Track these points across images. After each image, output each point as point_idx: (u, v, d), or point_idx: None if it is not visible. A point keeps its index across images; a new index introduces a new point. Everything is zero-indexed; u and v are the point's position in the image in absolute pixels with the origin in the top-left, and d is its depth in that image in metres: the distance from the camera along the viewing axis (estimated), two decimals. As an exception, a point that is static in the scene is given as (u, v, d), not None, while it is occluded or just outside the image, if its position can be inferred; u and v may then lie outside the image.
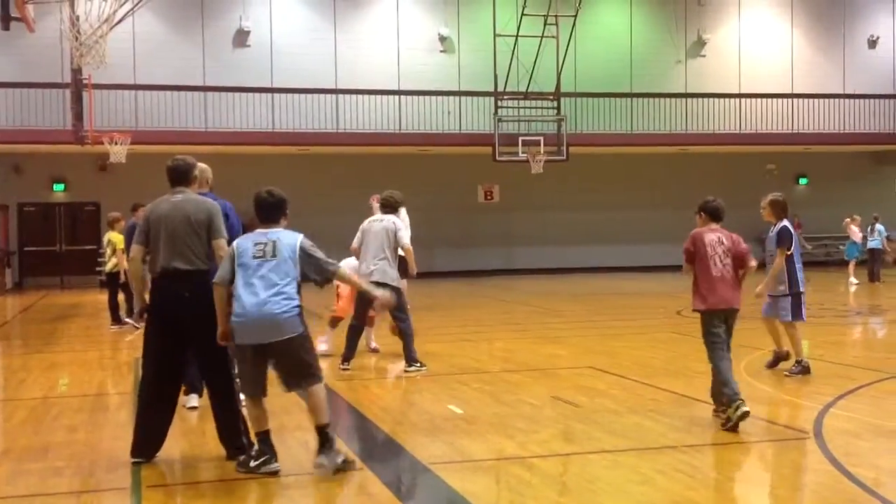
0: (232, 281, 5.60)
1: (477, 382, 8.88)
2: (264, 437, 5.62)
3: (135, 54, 23.45)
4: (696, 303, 6.95)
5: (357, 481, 5.51)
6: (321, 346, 10.80)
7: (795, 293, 9.12)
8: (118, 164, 21.48)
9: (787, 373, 8.91)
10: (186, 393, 7.25)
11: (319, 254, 5.70)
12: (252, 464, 5.57)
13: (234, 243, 5.74)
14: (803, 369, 8.83)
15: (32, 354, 11.72)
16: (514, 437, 6.55)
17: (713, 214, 7.07)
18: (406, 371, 9.40)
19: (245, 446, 5.84)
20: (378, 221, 9.68)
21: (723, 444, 6.43)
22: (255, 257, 5.56)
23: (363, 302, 9.26)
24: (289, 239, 5.66)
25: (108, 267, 14.14)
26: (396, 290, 9.09)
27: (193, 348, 5.96)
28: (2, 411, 8.49)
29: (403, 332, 9.51)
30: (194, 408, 7.36)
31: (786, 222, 9.03)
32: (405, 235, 9.78)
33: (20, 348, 12.98)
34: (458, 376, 9.26)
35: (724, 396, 6.71)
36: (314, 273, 5.68)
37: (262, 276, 5.52)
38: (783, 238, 8.99)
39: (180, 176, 6.14)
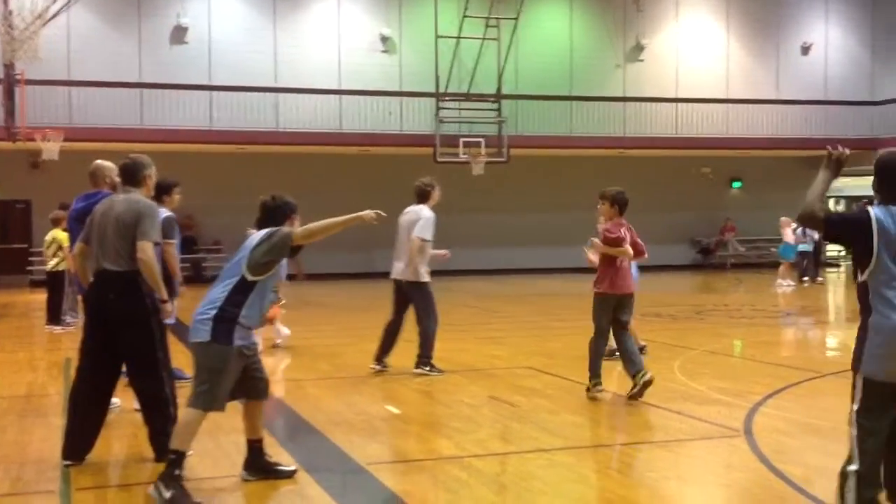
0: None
1: (415, 382, 8.89)
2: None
3: (69, 49, 23.00)
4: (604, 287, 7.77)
5: (293, 483, 5.47)
6: (277, 340, 10.86)
7: None
8: (51, 161, 21.03)
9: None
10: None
11: (279, 234, 5.20)
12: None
13: None
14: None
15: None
16: (452, 436, 6.57)
17: (623, 206, 7.92)
18: (415, 371, 9.19)
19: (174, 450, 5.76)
20: (404, 214, 9.44)
21: (656, 443, 6.53)
22: None
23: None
24: (252, 238, 5.28)
25: (51, 265, 13.86)
26: (422, 287, 9.15)
27: (122, 350, 5.83)
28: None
29: (422, 332, 9.26)
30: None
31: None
32: (421, 227, 9.32)
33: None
34: (396, 377, 9.24)
35: (594, 370, 7.81)
36: (276, 254, 5.17)
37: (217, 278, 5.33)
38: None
39: (125, 176, 6.04)
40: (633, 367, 7.62)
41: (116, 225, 5.76)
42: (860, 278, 4.12)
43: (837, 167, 4.37)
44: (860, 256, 4.10)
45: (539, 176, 27.57)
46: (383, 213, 5.32)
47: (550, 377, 9.11)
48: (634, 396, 7.53)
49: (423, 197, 9.48)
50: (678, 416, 7.05)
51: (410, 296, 9.32)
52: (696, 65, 28.63)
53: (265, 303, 5.28)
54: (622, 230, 7.79)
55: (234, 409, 5.67)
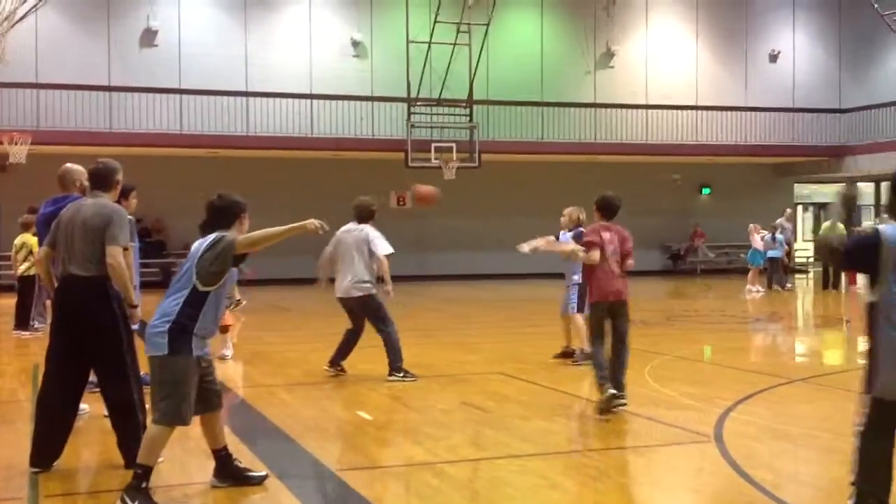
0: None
1: (387, 388, 8.87)
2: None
3: (37, 52, 22.76)
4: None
5: (264, 489, 5.44)
6: (225, 352, 10.64)
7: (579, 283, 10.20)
8: (18, 164, 20.78)
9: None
10: None
11: (222, 244, 5.08)
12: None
13: None
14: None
15: (-77, 361, 11.26)
16: (424, 443, 6.56)
17: (606, 210, 7.79)
18: (388, 379, 9.16)
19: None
20: (347, 232, 9.43)
21: (627, 448, 6.57)
22: None
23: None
24: (196, 248, 5.17)
25: (22, 270, 13.69)
26: (373, 298, 9.24)
27: (90, 357, 5.77)
28: None
29: (385, 341, 9.33)
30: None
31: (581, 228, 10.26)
32: (381, 245, 9.41)
33: None
34: (368, 382, 9.22)
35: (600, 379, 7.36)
36: (221, 263, 5.06)
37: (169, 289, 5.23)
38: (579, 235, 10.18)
39: (95, 180, 5.97)
40: (613, 383, 7.31)
41: (84, 229, 5.69)
42: (869, 298, 4.18)
43: (850, 203, 4.43)
44: (871, 277, 4.16)
45: (510, 181, 27.63)
46: (326, 227, 5.24)
47: (522, 383, 9.13)
48: (602, 411, 7.30)
49: (367, 216, 9.58)
50: (649, 421, 7.09)
51: (362, 311, 9.40)
52: (665, 71, 28.86)
53: (219, 312, 5.24)
54: (604, 234, 7.56)
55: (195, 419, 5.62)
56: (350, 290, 9.27)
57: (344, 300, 9.41)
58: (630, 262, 7.66)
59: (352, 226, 9.51)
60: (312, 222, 5.16)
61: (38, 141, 20.65)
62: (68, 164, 6.82)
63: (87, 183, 6.15)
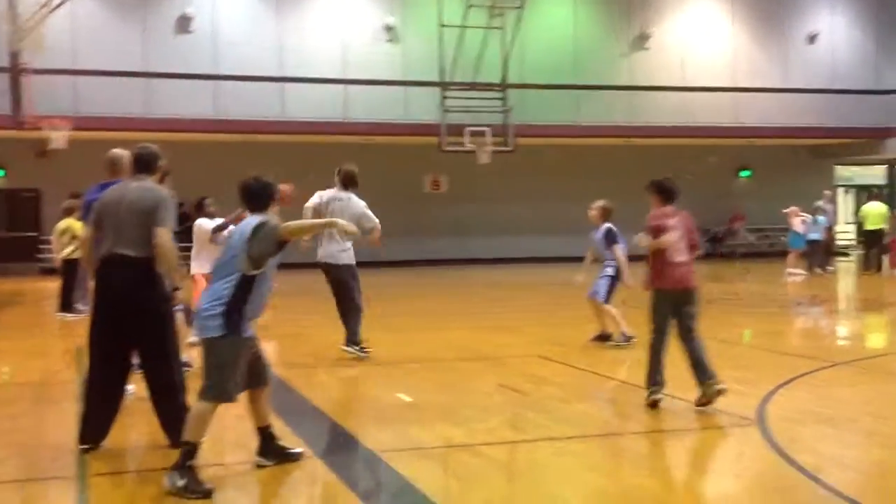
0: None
1: (426, 371, 8.91)
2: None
3: (74, 38, 22.97)
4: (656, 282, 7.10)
5: (306, 470, 5.49)
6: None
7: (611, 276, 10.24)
8: (58, 150, 21.05)
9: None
10: None
11: (266, 229, 5.14)
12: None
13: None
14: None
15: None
16: (463, 424, 6.57)
17: (667, 194, 7.28)
18: (344, 349, 9.25)
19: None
20: (336, 200, 9.41)
21: (667, 432, 6.53)
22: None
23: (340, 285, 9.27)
24: (244, 227, 5.21)
25: (65, 253, 13.89)
26: (355, 268, 9.32)
27: (134, 338, 5.84)
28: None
29: (356, 313, 9.34)
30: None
31: (610, 224, 10.31)
32: (369, 214, 9.45)
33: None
34: (407, 365, 9.27)
35: (655, 377, 7.00)
36: (268, 246, 5.13)
37: (214, 270, 5.30)
38: (613, 236, 10.26)
39: (139, 164, 6.02)
40: (702, 373, 6.90)
41: (133, 211, 5.75)
42: None
43: None
44: None
45: (545, 165, 27.54)
46: (357, 233, 5.44)
47: (561, 366, 9.12)
48: (703, 404, 6.89)
49: (353, 183, 9.58)
50: (689, 405, 7.05)
51: (344, 277, 9.34)
52: (702, 53, 28.53)
53: (265, 292, 5.31)
54: (669, 220, 7.09)
55: (242, 396, 5.68)
56: (339, 257, 9.28)
57: (329, 266, 9.35)
58: (698, 249, 7.26)
59: (341, 193, 9.50)
60: (342, 223, 5.39)
61: (77, 127, 20.89)
62: (118, 150, 6.92)
63: (161, 164, 6.19)
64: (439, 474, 5.57)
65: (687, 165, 28.04)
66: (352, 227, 5.43)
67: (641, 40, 28.12)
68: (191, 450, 5.06)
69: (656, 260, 7.07)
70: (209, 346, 5.15)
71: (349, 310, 9.36)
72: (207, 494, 4.96)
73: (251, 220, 5.26)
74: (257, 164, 23.02)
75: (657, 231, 7.04)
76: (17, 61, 20.83)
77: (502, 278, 21.90)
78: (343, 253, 9.30)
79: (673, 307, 6.98)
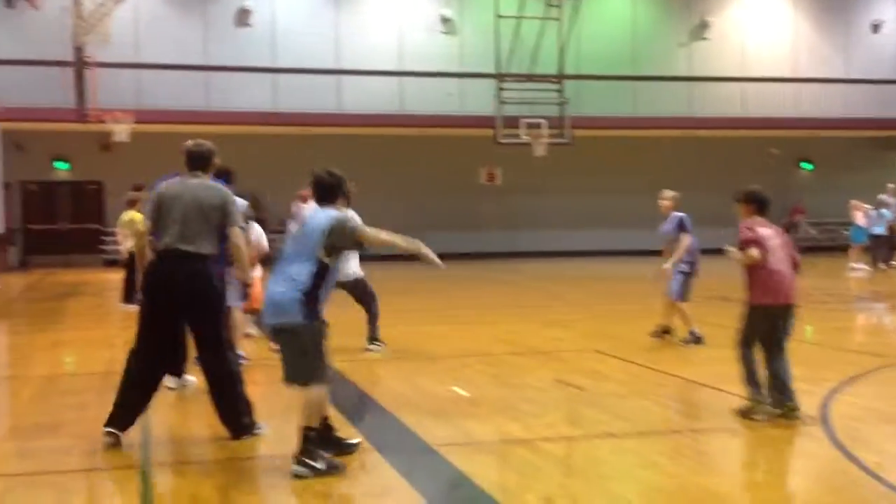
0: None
1: (481, 365, 8.91)
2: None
3: (137, 32, 23.36)
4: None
5: (364, 462, 5.54)
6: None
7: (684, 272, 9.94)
8: (120, 142, 21.44)
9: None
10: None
11: (348, 227, 5.28)
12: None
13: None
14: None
15: (37, 333, 11.76)
16: (520, 419, 6.57)
17: (759, 204, 6.74)
18: (368, 349, 9.54)
19: (249, 426, 5.91)
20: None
21: (728, 429, 6.44)
22: (292, 238, 5.45)
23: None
24: (317, 222, 5.30)
25: (129, 245, 14.14)
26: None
27: (190, 331, 5.96)
28: (9, 388, 8.53)
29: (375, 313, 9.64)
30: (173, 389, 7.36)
31: (682, 214, 9.99)
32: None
33: (25, 326, 13.00)
34: (461, 359, 9.28)
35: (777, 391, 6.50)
36: (346, 242, 5.29)
37: (284, 258, 5.36)
38: (684, 225, 9.94)
39: (199, 160, 6.10)
40: (787, 396, 6.47)
41: (197, 208, 5.84)
42: None
43: None
44: None
45: (602, 157, 27.34)
46: (442, 266, 5.36)
47: (617, 361, 9.06)
48: (749, 416, 6.54)
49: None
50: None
51: (358, 290, 9.59)
52: (763, 43, 28.02)
53: (335, 279, 5.42)
54: (763, 231, 6.56)
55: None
56: (351, 273, 9.36)
57: (344, 283, 9.21)
58: (800, 266, 6.71)
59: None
60: (430, 255, 5.28)
61: (139, 120, 21.26)
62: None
63: (216, 161, 6.28)
64: (497, 469, 5.57)
65: (747, 158, 27.66)
66: (436, 260, 5.29)
67: (701, 29, 27.69)
68: (313, 434, 5.20)
69: (756, 274, 6.52)
70: (291, 332, 5.20)
71: (373, 310, 9.68)
72: (342, 469, 5.20)
73: (328, 213, 5.33)
74: (314, 156, 23.25)
75: (751, 244, 6.50)
76: (81, 55, 21.27)
77: (555, 272, 21.80)
78: (354, 270, 9.44)
79: (770, 324, 6.52)
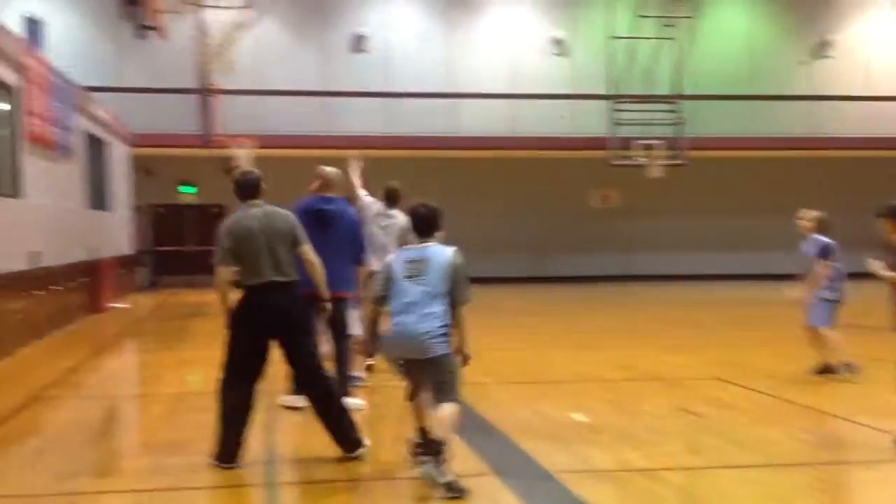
0: (385, 299, 5.65)
1: (598, 391, 8.81)
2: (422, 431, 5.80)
3: (257, 60, 24.11)
4: None
5: (483, 487, 5.52)
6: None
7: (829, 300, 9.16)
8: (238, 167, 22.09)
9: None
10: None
11: (464, 277, 5.67)
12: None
13: (387, 263, 5.84)
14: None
15: (165, 351, 12.21)
16: (640, 447, 6.46)
17: None
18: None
19: (359, 440, 6.09)
20: (390, 217, 9.26)
21: (863, 463, 6.18)
22: (406, 276, 5.59)
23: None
24: (440, 259, 5.61)
25: None
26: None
27: (290, 356, 6.12)
28: (140, 405, 8.89)
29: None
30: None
31: (828, 239, 9.22)
32: None
33: (154, 344, 13.51)
34: (579, 384, 9.20)
35: None
36: (454, 294, 5.64)
37: (414, 297, 5.53)
38: (827, 252, 9.14)
39: (251, 188, 6.25)
40: None
41: (278, 236, 6.07)
42: None
43: None
44: None
45: (720, 179, 26.79)
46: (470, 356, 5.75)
47: (741, 389, 8.80)
48: None
49: (398, 200, 9.33)
50: (887, 435, 6.65)
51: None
52: (888, 60, 26.99)
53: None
54: None
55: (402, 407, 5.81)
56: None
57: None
58: None
59: (389, 210, 9.36)
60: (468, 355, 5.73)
61: (261, 145, 21.87)
62: (331, 169, 7.64)
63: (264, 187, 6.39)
64: (616, 498, 5.49)
65: (873, 178, 26.62)
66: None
67: (822, 47, 26.88)
68: (446, 447, 5.41)
69: None
70: (442, 362, 5.59)
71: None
72: (465, 494, 5.28)
73: (448, 251, 5.63)
74: (426, 179, 23.52)
75: None
76: (206, 83, 22.10)
77: (672, 296, 21.39)
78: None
79: None
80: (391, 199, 9.45)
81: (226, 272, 6.04)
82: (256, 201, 6.22)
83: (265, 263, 5.99)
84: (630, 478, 5.79)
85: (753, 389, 8.71)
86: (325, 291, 6.34)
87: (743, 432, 6.93)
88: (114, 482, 5.78)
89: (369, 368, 9.10)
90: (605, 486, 5.69)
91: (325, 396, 6.12)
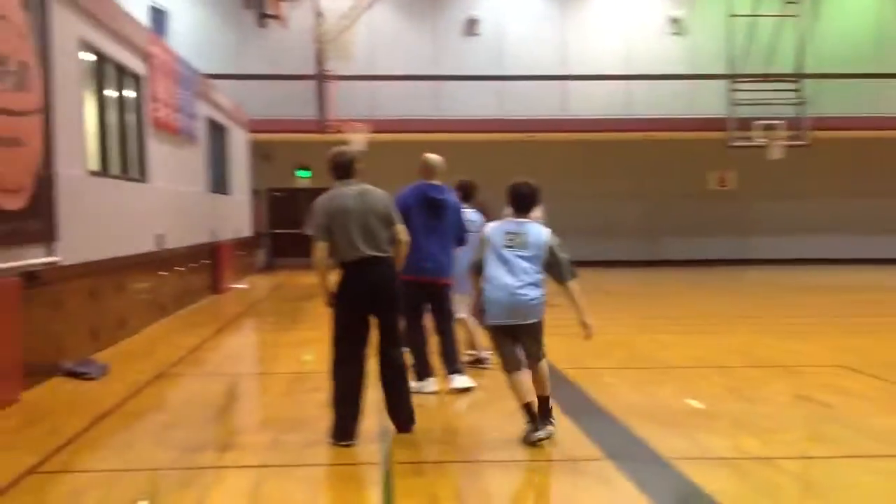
0: (482, 264, 6.11)
1: (715, 376, 8.63)
2: (527, 407, 6.06)
3: (371, 45, 24.38)
4: None
5: (597, 471, 5.50)
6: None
7: None
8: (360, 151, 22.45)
9: None
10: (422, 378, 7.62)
11: (563, 255, 6.09)
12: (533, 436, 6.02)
13: (486, 231, 6.28)
14: None
15: (281, 332, 12.54)
16: (759, 435, 6.30)
17: None
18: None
19: (413, 417, 6.34)
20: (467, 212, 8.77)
21: None
22: (506, 246, 6.04)
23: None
24: (537, 236, 6.10)
25: None
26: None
27: (381, 328, 6.26)
28: (261, 384, 9.17)
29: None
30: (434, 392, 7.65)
31: None
32: None
33: (271, 325, 13.90)
34: (695, 370, 9.02)
35: None
36: (554, 273, 6.11)
37: (515, 265, 5.99)
38: None
39: (346, 168, 6.34)
40: None
41: (378, 217, 6.19)
42: None
43: None
44: None
45: (844, 160, 25.79)
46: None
47: (867, 377, 8.48)
48: None
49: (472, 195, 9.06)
50: None
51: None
52: None
53: None
54: None
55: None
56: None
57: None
58: None
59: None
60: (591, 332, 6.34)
61: (374, 129, 22.21)
62: (434, 156, 7.77)
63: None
64: (734, 485, 5.36)
65: None
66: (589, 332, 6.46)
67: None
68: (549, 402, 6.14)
69: None
70: (538, 326, 6.12)
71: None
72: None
73: (544, 231, 6.13)
74: (539, 161, 23.48)
75: None
76: (322, 69, 22.51)
77: (792, 280, 20.72)
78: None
79: None
80: (465, 193, 8.83)
81: (322, 248, 6.18)
82: (351, 180, 6.32)
83: (360, 239, 6.12)
84: (747, 465, 5.66)
85: (882, 378, 8.37)
86: (400, 268, 6.41)
87: (870, 422, 6.68)
88: (236, 457, 5.98)
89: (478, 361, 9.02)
90: (721, 472, 5.57)
91: (398, 370, 6.35)
